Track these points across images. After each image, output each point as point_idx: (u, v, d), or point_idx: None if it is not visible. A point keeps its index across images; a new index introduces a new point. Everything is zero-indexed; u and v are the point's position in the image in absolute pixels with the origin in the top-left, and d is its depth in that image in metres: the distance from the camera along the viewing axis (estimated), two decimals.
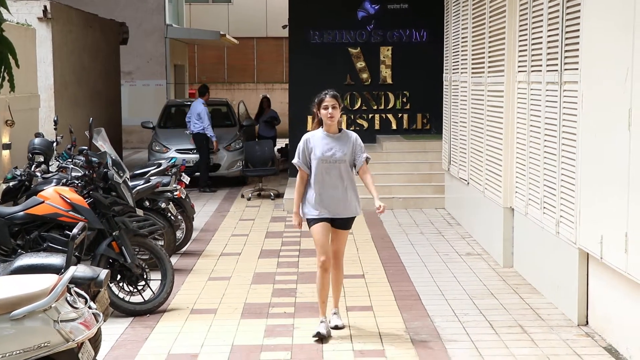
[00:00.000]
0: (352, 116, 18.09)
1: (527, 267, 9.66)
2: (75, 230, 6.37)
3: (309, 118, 17.73)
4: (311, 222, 7.55)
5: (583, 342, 7.33)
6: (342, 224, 7.59)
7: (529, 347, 7.19)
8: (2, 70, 5.17)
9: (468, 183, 12.60)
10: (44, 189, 8.80)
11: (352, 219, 7.67)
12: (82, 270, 6.19)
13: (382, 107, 18.23)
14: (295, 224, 7.66)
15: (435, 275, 9.90)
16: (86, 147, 9.39)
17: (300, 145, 7.59)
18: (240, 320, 8.14)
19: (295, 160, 7.61)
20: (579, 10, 7.76)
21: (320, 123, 7.61)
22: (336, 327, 7.63)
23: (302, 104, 17.19)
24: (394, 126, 18.21)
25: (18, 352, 5.18)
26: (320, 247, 7.49)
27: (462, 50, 13.06)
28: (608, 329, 7.30)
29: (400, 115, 18.28)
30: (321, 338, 7.35)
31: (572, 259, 7.97)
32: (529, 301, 8.70)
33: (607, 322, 7.32)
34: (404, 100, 18.26)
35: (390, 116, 18.26)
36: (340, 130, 7.60)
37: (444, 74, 14.92)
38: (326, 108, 7.45)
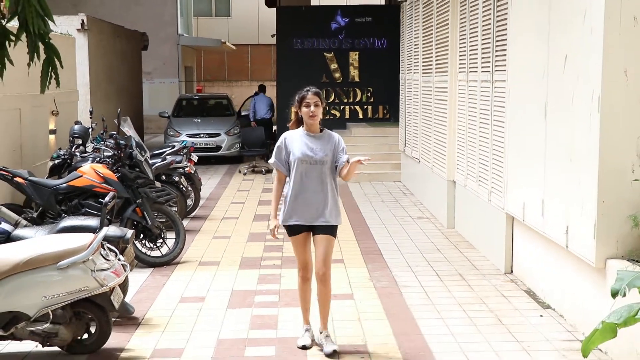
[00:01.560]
0: (326, 107, 17.99)
1: (465, 228, 9.70)
2: (107, 199, 6.38)
3: (293, 108, 17.71)
4: (289, 230, 5.67)
5: (508, 286, 7.39)
6: (323, 230, 5.62)
7: (467, 290, 7.24)
8: (50, 70, 5.15)
9: (419, 161, 12.61)
10: (82, 166, 8.76)
11: (334, 227, 5.66)
12: (112, 230, 6.20)
13: (351, 100, 18.19)
14: (271, 229, 5.65)
15: (393, 235, 9.90)
16: (115, 132, 9.34)
17: (278, 144, 5.72)
18: (238, 271, 8.14)
19: (271, 160, 5.72)
20: (506, 23, 7.77)
21: (299, 122, 5.76)
22: (334, 353, 5.53)
23: (288, 98, 17.14)
24: (360, 115, 18.17)
25: (64, 294, 5.22)
26: (299, 259, 5.71)
27: (414, 55, 13.04)
28: (528, 276, 7.36)
29: (365, 106, 18.24)
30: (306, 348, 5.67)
31: (500, 221, 8.01)
32: (466, 255, 8.74)
33: (527, 270, 7.38)
34: (369, 94, 18.20)
35: (357, 107, 18.23)
36: (322, 130, 5.71)
37: (400, 74, 14.89)
38: (308, 106, 5.62)
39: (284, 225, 5.68)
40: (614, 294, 3.57)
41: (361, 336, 5.96)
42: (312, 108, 5.62)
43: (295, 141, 5.67)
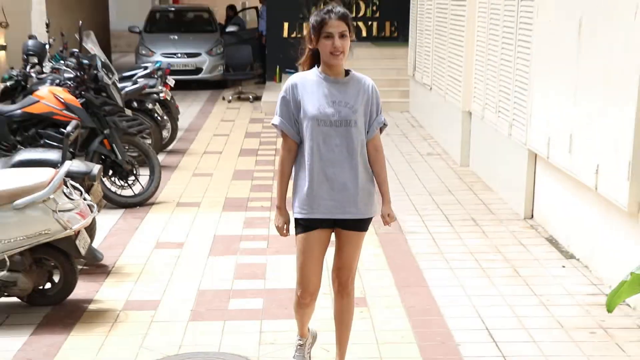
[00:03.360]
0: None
1: (481, 166, 9.79)
2: (69, 128, 6.42)
3: (285, 25, 17.59)
4: (298, 225, 4.38)
5: (528, 233, 7.52)
6: (352, 225, 4.41)
7: (480, 238, 7.38)
8: None
9: (431, 88, 12.62)
10: (39, 89, 8.76)
11: (368, 220, 4.45)
12: (76, 165, 6.27)
13: (354, 15, 18.02)
14: (279, 226, 4.40)
15: (399, 173, 9.99)
16: (77, 50, 9.30)
17: (283, 94, 4.36)
18: (222, 213, 8.27)
19: (276, 120, 4.41)
20: None
21: (313, 59, 4.37)
22: None
23: (277, 6, 16.90)
24: (364, 34, 18.07)
25: (22, 238, 5.31)
26: (303, 272, 4.42)
27: None
28: (550, 221, 7.48)
29: (370, 23, 18.14)
30: None
31: (522, 159, 8.09)
32: (481, 197, 8.87)
33: (550, 215, 7.49)
34: (374, 8, 18.09)
35: (360, 24, 18.10)
36: (347, 72, 4.34)
37: None
38: (330, 37, 4.20)
39: (296, 219, 4.39)
40: None
41: (359, 288, 6.08)
42: (337, 42, 4.21)
43: (308, 90, 4.30)
